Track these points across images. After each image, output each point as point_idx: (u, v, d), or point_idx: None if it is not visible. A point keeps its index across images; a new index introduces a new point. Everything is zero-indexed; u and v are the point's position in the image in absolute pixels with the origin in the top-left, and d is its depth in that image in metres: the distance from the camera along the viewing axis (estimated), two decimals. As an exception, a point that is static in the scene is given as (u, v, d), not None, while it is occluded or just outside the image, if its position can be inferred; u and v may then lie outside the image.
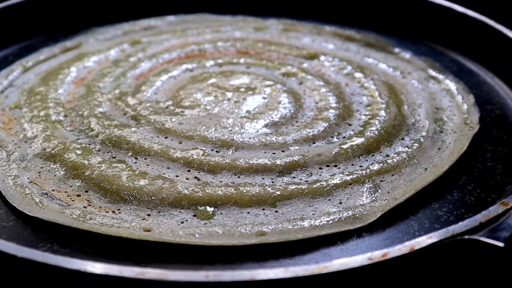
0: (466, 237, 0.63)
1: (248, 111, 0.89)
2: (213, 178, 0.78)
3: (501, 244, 0.60)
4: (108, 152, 0.82)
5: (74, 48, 1.08)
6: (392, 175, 0.79)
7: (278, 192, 0.75)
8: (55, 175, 0.79)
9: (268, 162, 0.79)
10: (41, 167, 0.80)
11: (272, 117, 0.88)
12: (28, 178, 0.78)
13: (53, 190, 0.77)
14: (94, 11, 1.16)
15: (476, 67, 1.04)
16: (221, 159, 0.80)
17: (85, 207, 0.74)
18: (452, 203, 0.76)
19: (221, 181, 0.77)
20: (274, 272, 0.59)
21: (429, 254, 0.62)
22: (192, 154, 0.80)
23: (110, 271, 0.60)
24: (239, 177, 0.78)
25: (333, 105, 0.91)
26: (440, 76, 1.00)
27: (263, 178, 0.78)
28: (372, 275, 0.62)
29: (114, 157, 0.81)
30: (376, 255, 0.61)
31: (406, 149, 0.83)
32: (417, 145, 0.84)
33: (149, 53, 1.05)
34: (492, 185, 0.79)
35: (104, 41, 1.10)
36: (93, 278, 0.60)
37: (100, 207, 0.74)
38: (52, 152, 0.81)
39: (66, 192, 0.77)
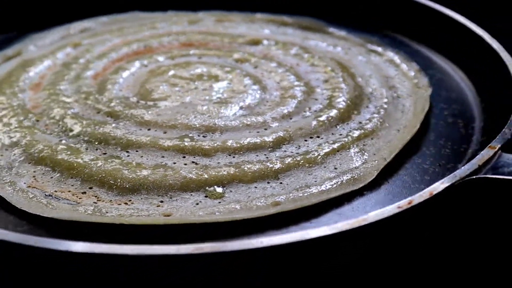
0: (474, 177, 0.70)
1: (219, 97, 0.93)
2: (209, 161, 0.81)
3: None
4: (96, 150, 0.83)
5: (16, 56, 1.06)
6: (371, 139, 0.86)
7: (277, 166, 0.79)
8: (51, 177, 0.78)
9: (257, 140, 0.83)
10: (34, 171, 0.79)
11: (244, 100, 0.92)
12: (25, 183, 0.78)
13: (55, 191, 0.77)
14: (25, 17, 1.15)
15: (406, 39, 1.12)
16: (212, 143, 0.83)
17: (95, 203, 0.75)
18: (432, 156, 0.83)
19: (218, 163, 0.80)
20: (321, 230, 0.63)
21: (444, 197, 0.69)
22: (182, 141, 0.83)
23: (167, 250, 0.61)
24: (234, 157, 0.81)
25: (295, 83, 0.96)
26: (379, 49, 1.07)
27: (257, 155, 0.82)
28: (400, 222, 0.68)
29: (105, 153, 0.82)
30: (403, 203, 0.67)
31: (375, 115, 0.90)
32: (383, 111, 0.91)
33: (96, 54, 1.05)
34: (459, 137, 0.87)
35: (44, 47, 1.09)
36: (151, 260, 0.61)
37: (110, 200, 0.75)
38: (41, 156, 0.81)
39: (69, 191, 0.77)
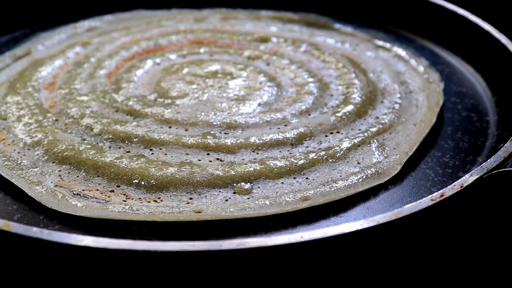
0: (502, 169, 0.71)
1: (236, 94, 0.93)
2: (234, 157, 0.81)
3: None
4: (119, 148, 0.83)
5: (25, 56, 1.06)
6: (390, 133, 0.87)
7: (301, 161, 0.80)
8: (77, 176, 0.79)
9: (279, 137, 0.84)
10: (59, 170, 0.80)
11: (261, 97, 0.93)
12: (51, 182, 0.78)
13: (83, 190, 0.77)
14: (30, 17, 1.15)
15: (411, 34, 1.14)
16: (234, 139, 0.83)
17: (125, 201, 0.75)
18: (451, 150, 0.85)
19: (243, 159, 0.81)
20: (359, 224, 0.65)
21: (472, 190, 0.70)
22: (205, 139, 0.83)
23: (211, 246, 0.62)
24: (257, 153, 0.82)
25: (309, 79, 0.97)
26: (387, 45, 1.09)
27: (280, 151, 0.83)
28: (431, 215, 0.69)
29: (129, 152, 0.82)
30: (436, 196, 0.68)
31: (391, 110, 0.91)
32: (398, 105, 0.92)
33: (106, 53, 1.05)
34: (475, 131, 0.89)
35: (53, 46, 1.09)
36: (194, 256, 0.62)
37: (139, 198, 0.76)
38: (64, 155, 0.81)
39: (97, 190, 0.77)
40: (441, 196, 0.68)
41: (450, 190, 0.69)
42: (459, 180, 0.70)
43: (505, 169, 0.72)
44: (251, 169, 0.79)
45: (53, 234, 0.63)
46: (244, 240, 0.63)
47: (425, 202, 0.68)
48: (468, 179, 0.70)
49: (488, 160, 0.73)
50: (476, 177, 0.71)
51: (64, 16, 1.17)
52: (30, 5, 1.17)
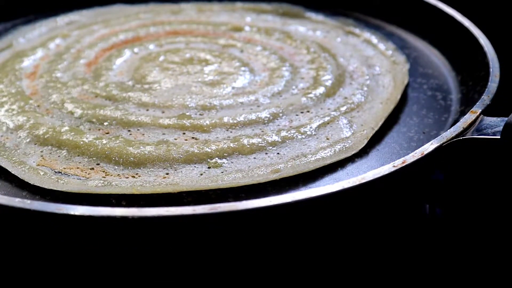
0: (461, 138, 0.75)
1: (211, 79, 0.97)
2: (209, 136, 0.85)
3: (498, 137, 0.74)
4: (98, 130, 0.87)
5: (7, 48, 1.09)
6: (358, 111, 0.91)
7: (273, 138, 0.84)
8: (59, 156, 0.82)
9: (252, 116, 0.88)
10: (41, 151, 0.83)
11: (235, 81, 0.97)
12: (34, 162, 0.81)
13: (64, 168, 0.80)
14: (10, 10, 1.18)
15: (380, 21, 1.18)
16: (209, 120, 0.87)
17: (104, 177, 0.79)
18: (416, 126, 0.89)
19: (217, 137, 0.85)
20: (326, 188, 0.68)
21: (434, 157, 0.74)
22: (181, 120, 0.87)
23: (184, 211, 0.66)
24: (231, 132, 0.86)
25: (281, 64, 1.01)
26: (357, 30, 1.13)
27: (253, 129, 0.87)
28: (394, 181, 0.73)
29: (108, 133, 0.86)
30: (398, 162, 0.72)
31: (358, 91, 0.95)
32: (366, 87, 0.96)
33: (86, 44, 1.09)
34: (439, 108, 0.93)
35: (34, 39, 1.12)
36: (169, 220, 0.66)
37: (118, 174, 0.79)
38: (46, 137, 0.84)
39: (78, 168, 0.80)
40: (403, 162, 0.72)
41: (411, 157, 0.73)
42: (420, 148, 0.74)
43: (465, 137, 0.76)
44: (225, 146, 0.82)
45: (35, 203, 0.66)
46: (216, 205, 0.66)
47: (388, 168, 0.71)
48: (428, 147, 0.74)
49: (448, 130, 0.77)
50: (436, 145, 0.75)
51: (44, 11, 1.20)
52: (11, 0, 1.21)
